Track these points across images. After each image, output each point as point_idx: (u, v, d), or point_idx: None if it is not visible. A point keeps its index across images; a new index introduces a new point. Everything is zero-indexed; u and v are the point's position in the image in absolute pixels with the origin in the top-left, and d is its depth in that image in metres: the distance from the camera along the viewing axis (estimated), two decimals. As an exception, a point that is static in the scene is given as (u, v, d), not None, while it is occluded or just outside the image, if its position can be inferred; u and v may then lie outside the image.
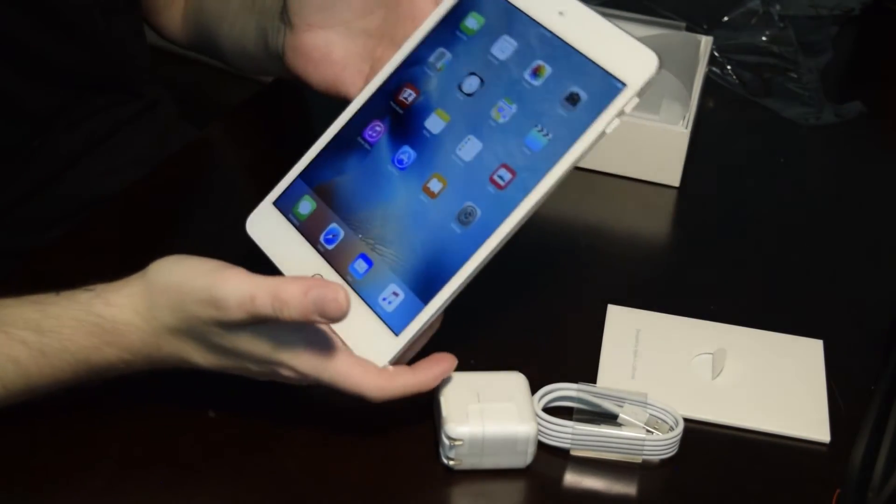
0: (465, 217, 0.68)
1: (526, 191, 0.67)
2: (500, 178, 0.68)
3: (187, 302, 0.63)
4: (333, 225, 0.71)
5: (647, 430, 0.69)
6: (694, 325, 0.79)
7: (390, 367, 0.66)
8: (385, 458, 0.69)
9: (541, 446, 0.69)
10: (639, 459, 0.69)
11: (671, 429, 0.69)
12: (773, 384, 0.75)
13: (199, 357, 0.66)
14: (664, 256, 0.90)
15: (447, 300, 0.67)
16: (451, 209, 0.69)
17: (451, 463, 0.67)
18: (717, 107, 1.06)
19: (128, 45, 0.95)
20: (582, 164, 0.94)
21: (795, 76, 1.10)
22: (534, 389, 0.69)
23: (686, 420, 0.70)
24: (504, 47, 0.71)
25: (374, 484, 0.67)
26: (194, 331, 0.64)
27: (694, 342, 0.78)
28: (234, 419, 0.70)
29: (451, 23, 0.73)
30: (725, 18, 1.16)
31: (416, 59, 0.73)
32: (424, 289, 0.67)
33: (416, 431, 0.70)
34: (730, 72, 1.09)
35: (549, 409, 0.70)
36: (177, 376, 0.71)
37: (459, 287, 0.67)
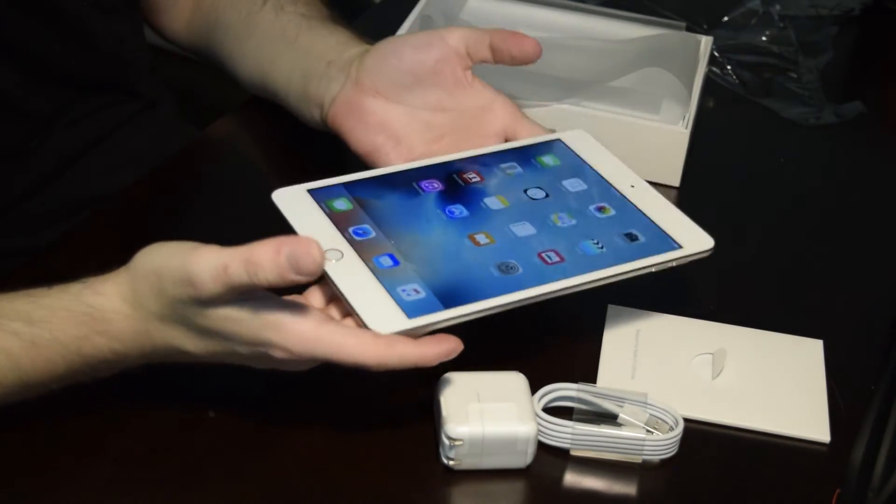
0: (505, 267, 0.70)
1: (568, 274, 0.69)
2: (548, 256, 0.71)
3: (165, 285, 0.63)
4: (366, 225, 0.71)
5: (647, 430, 0.69)
6: (694, 325, 0.79)
7: (389, 336, 0.64)
8: (385, 458, 0.69)
9: (541, 446, 0.69)
10: (639, 459, 0.69)
11: (671, 429, 0.69)
12: (773, 384, 0.75)
13: (189, 343, 0.65)
14: (664, 256, 0.90)
15: (466, 316, 0.66)
16: (493, 258, 0.70)
17: (451, 463, 0.67)
18: (717, 107, 1.06)
19: (127, 46, 0.95)
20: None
21: (795, 76, 1.10)
22: (534, 389, 0.69)
23: (686, 420, 0.70)
24: (575, 184, 0.77)
25: (374, 484, 0.67)
26: (178, 314, 0.64)
27: (694, 342, 0.78)
28: (234, 419, 0.70)
29: (527, 153, 0.79)
30: (725, 18, 1.16)
31: (486, 161, 0.78)
32: (447, 296, 0.67)
33: (416, 431, 0.70)
34: (730, 72, 1.09)
35: (549, 409, 0.70)
36: (176, 376, 0.71)
37: (480, 312, 0.67)
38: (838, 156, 1.03)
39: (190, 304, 0.62)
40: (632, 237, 0.73)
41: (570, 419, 0.69)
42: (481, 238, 0.71)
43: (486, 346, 0.77)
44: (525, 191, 0.76)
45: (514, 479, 0.68)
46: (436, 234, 0.72)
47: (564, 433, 0.69)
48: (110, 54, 0.93)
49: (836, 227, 0.92)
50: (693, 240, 0.73)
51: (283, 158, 0.94)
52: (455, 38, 0.80)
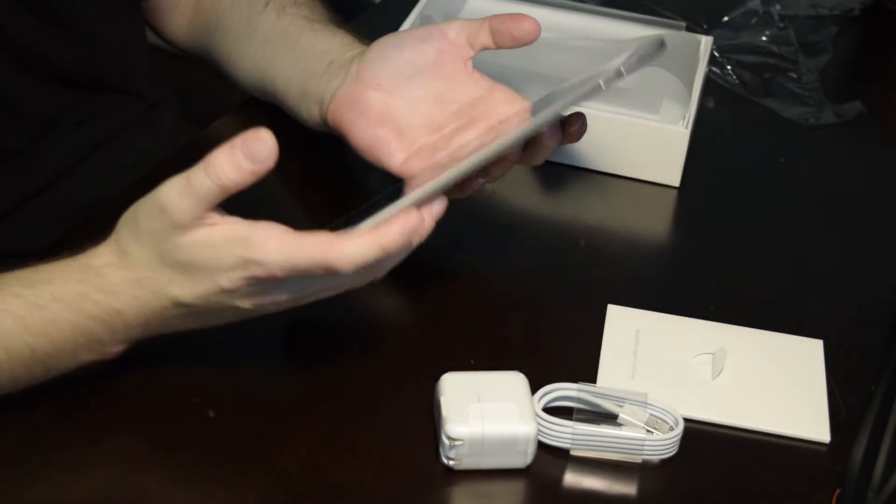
0: None
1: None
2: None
3: (144, 222, 0.65)
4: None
5: (647, 430, 0.69)
6: (694, 325, 0.79)
7: (349, 233, 0.64)
8: (385, 458, 0.69)
9: (541, 446, 0.69)
10: (639, 459, 0.69)
11: (671, 429, 0.69)
12: (773, 384, 0.75)
13: (177, 287, 0.66)
14: (664, 256, 0.90)
15: (414, 199, 0.66)
16: None
17: (451, 463, 0.67)
18: (717, 107, 1.06)
19: (129, 46, 0.95)
20: (582, 164, 0.94)
21: (795, 76, 1.10)
22: (534, 389, 0.69)
23: (686, 420, 0.70)
24: None
25: (374, 484, 0.67)
26: (159, 252, 0.65)
27: (694, 342, 0.78)
28: (234, 419, 0.70)
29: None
30: (725, 18, 1.16)
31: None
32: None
33: (416, 431, 0.70)
34: (730, 72, 1.09)
35: (549, 409, 0.70)
36: (176, 376, 0.71)
37: (425, 193, 0.66)
38: (838, 156, 1.03)
39: (166, 235, 0.64)
40: None
41: (570, 419, 0.69)
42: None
43: (486, 346, 0.77)
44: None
45: (514, 479, 0.68)
46: None
47: (564, 433, 0.69)
48: (113, 55, 0.93)
49: (835, 226, 0.92)
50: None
51: (283, 158, 0.94)
52: (455, 30, 0.80)
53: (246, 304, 0.66)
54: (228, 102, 1.01)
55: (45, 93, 0.88)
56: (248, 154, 0.62)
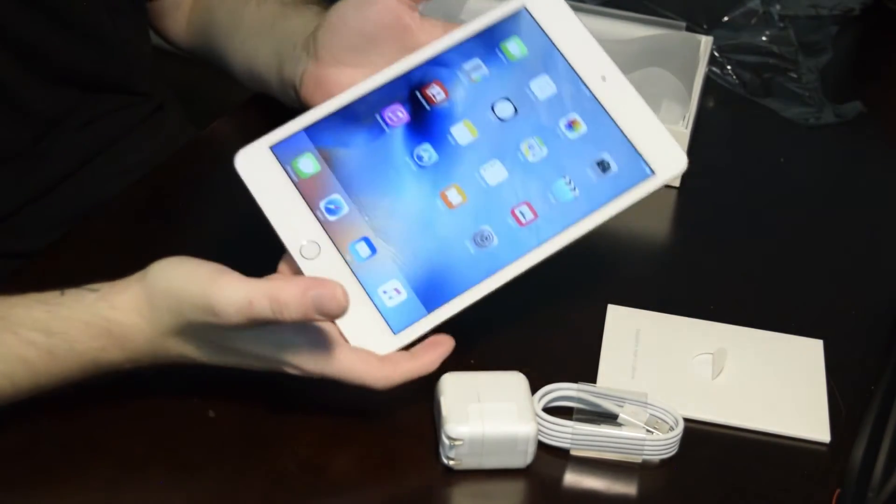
0: (481, 239, 0.69)
1: (545, 237, 0.69)
2: (522, 214, 0.69)
3: (185, 307, 0.64)
4: (336, 196, 0.69)
5: (647, 430, 0.69)
6: (694, 325, 0.79)
7: (391, 355, 0.66)
8: (385, 458, 0.69)
9: (541, 446, 0.69)
10: (639, 459, 0.69)
11: (671, 429, 0.69)
12: (773, 384, 0.75)
13: (204, 356, 0.66)
14: (664, 256, 0.90)
15: (451, 315, 0.67)
16: (468, 227, 0.69)
17: (451, 463, 0.67)
18: (717, 107, 1.06)
19: (133, 46, 0.95)
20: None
21: (795, 76, 1.10)
22: (534, 389, 0.69)
23: (686, 420, 0.70)
24: (543, 87, 0.72)
25: (374, 484, 0.67)
26: (197, 333, 0.65)
27: (694, 342, 0.78)
28: (234, 419, 0.70)
29: (491, 38, 0.73)
30: (725, 18, 1.16)
31: (449, 61, 0.73)
32: (429, 296, 0.67)
33: (416, 431, 0.70)
34: (730, 72, 1.09)
35: (549, 409, 0.70)
36: (177, 376, 0.71)
37: (465, 307, 0.67)
38: (838, 156, 1.03)
39: (210, 329, 0.64)
40: (604, 166, 0.69)
41: (570, 419, 0.69)
42: (453, 196, 0.69)
43: (486, 346, 0.77)
44: (493, 108, 0.71)
45: (514, 479, 0.68)
46: (408, 196, 0.69)
47: (564, 433, 0.69)
48: (117, 55, 0.93)
49: (835, 226, 0.92)
50: (667, 160, 0.69)
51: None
52: None
53: (266, 371, 0.68)
54: (228, 102, 1.01)
55: (49, 93, 0.88)
56: (318, 308, 0.61)
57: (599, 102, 0.71)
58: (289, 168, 0.69)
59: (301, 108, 0.85)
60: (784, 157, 1.00)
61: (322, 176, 0.69)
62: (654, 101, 0.94)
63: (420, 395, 0.71)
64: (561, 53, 0.72)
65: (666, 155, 0.69)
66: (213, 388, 0.71)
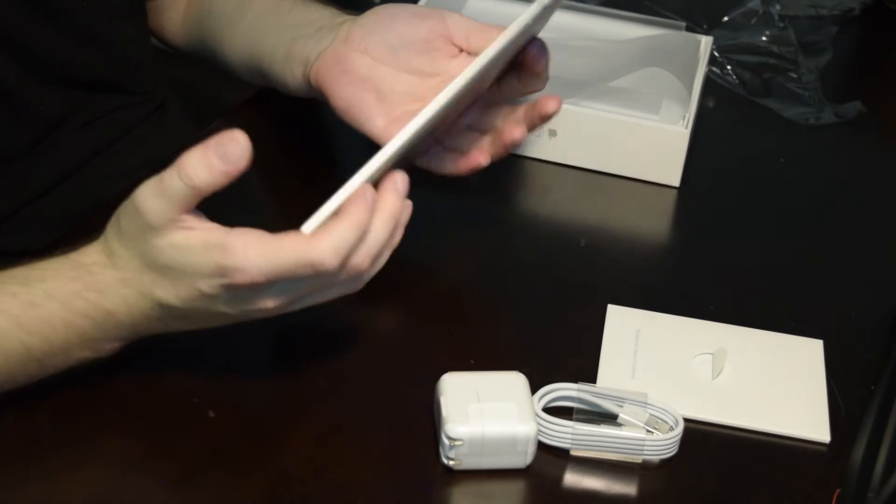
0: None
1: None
2: None
3: (124, 223, 0.65)
4: None
5: (647, 430, 0.69)
6: (694, 325, 0.79)
7: (323, 226, 0.63)
8: (385, 458, 0.69)
9: (541, 446, 0.69)
10: (639, 459, 0.69)
11: (671, 429, 0.69)
12: (773, 384, 0.75)
13: (161, 290, 0.66)
14: (664, 256, 0.90)
15: (346, 196, 0.64)
16: None
17: (451, 463, 0.67)
18: (717, 107, 1.06)
19: (134, 46, 0.95)
20: (582, 164, 0.94)
21: (795, 76, 1.10)
22: (534, 389, 0.69)
23: (686, 420, 0.70)
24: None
25: (374, 484, 0.67)
26: (140, 255, 0.65)
27: (694, 342, 0.78)
28: (234, 419, 0.70)
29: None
30: (725, 18, 1.16)
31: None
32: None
33: (416, 431, 0.70)
34: (730, 72, 1.09)
35: (549, 409, 0.70)
36: (176, 376, 0.71)
37: (358, 182, 0.64)
38: (838, 156, 1.03)
39: (143, 237, 0.64)
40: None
41: (570, 419, 0.69)
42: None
43: (486, 346, 0.77)
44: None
45: (514, 479, 0.68)
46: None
47: (564, 433, 0.69)
48: (118, 56, 0.93)
49: (835, 226, 0.92)
50: None
51: (283, 158, 0.94)
52: (455, 19, 0.79)
53: (230, 310, 0.66)
54: (228, 102, 1.01)
55: (50, 94, 0.88)
56: (220, 155, 0.62)
57: None
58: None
59: (302, 89, 0.85)
60: (784, 157, 1.00)
61: None
62: (654, 101, 0.94)
63: (420, 395, 0.71)
64: None
65: None
66: (213, 388, 0.71)
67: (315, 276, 0.64)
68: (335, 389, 0.72)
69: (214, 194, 0.91)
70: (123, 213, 0.66)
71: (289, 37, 0.86)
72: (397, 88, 0.79)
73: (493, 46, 0.69)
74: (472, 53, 0.79)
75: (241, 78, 0.96)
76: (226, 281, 0.63)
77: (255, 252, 0.62)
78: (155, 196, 0.63)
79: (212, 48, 0.97)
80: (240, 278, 0.63)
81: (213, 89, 1.11)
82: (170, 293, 0.66)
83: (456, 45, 0.80)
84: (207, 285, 0.64)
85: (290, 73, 0.85)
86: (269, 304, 0.65)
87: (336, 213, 0.64)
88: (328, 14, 0.86)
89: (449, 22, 0.79)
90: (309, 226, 0.63)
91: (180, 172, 0.62)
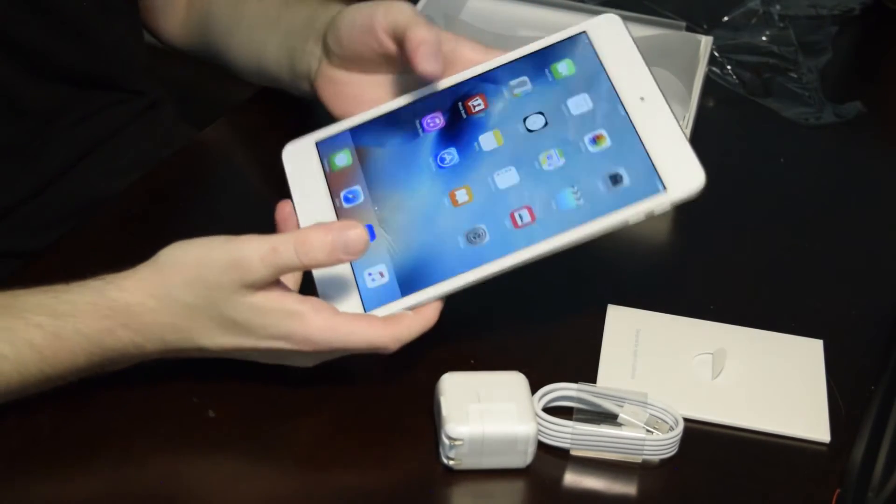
0: (473, 237, 0.70)
1: (536, 239, 0.69)
2: (520, 217, 0.70)
3: (208, 272, 0.65)
4: (357, 187, 0.73)
5: (647, 430, 0.69)
6: (694, 325, 0.79)
7: (393, 315, 0.68)
8: (385, 458, 0.69)
9: (541, 446, 0.69)
10: (639, 459, 0.69)
11: (671, 429, 0.69)
12: (773, 384, 0.75)
13: (209, 338, 0.66)
14: (664, 256, 0.90)
15: (422, 302, 0.68)
16: (464, 224, 0.70)
17: (451, 463, 0.67)
18: (717, 107, 1.06)
19: (127, 45, 0.95)
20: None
21: (795, 76, 1.10)
22: (534, 389, 0.69)
23: (686, 420, 0.70)
24: (580, 104, 0.73)
25: (374, 483, 0.67)
26: (212, 305, 0.65)
27: (694, 342, 0.78)
28: (234, 419, 0.70)
29: (544, 58, 0.75)
30: (725, 18, 1.16)
31: (498, 77, 0.75)
32: (407, 282, 0.69)
33: (416, 431, 0.70)
34: (730, 72, 1.09)
35: (549, 409, 0.70)
36: (176, 376, 0.71)
37: (437, 295, 0.68)
38: (838, 156, 1.03)
39: (229, 290, 0.64)
40: (616, 179, 0.69)
41: (570, 419, 0.69)
42: (461, 195, 0.71)
43: (486, 346, 0.77)
44: (524, 120, 0.73)
45: (514, 479, 0.68)
46: (419, 193, 0.72)
47: (564, 433, 0.69)
48: (110, 53, 0.93)
49: (835, 226, 0.92)
50: (683, 178, 0.68)
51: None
52: (381, 21, 0.76)
53: (267, 361, 0.68)
54: (228, 102, 1.01)
55: (43, 90, 0.88)
56: (343, 245, 0.64)
57: (630, 120, 0.71)
58: (325, 161, 0.75)
59: (308, 96, 0.86)
60: (784, 157, 1.00)
61: (351, 170, 0.74)
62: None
63: (420, 395, 0.71)
64: (607, 74, 0.73)
65: (683, 173, 0.68)
66: (213, 388, 0.71)
67: (368, 352, 0.68)
68: (335, 389, 0.72)
69: (215, 195, 0.91)
70: (212, 265, 0.65)
71: (287, 51, 0.87)
72: (388, 93, 0.79)
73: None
74: (398, 35, 0.75)
75: (250, 81, 0.96)
76: (289, 346, 0.66)
77: (327, 326, 0.65)
78: (264, 262, 0.63)
79: (216, 54, 0.97)
80: (305, 347, 0.66)
81: (213, 89, 1.11)
82: (221, 343, 0.67)
83: (389, 37, 0.77)
84: (268, 344, 0.66)
85: (302, 88, 0.87)
86: (309, 363, 0.69)
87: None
88: (308, 17, 0.86)
89: (375, 19, 0.76)
90: (382, 311, 0.68)
91: (298, 249, 0.63)
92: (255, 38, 0.91)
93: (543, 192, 0.70)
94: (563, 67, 0.74)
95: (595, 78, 0.73)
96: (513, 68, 0.75)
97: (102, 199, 0.90)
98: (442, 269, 0.69)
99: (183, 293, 0.65)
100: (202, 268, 0.65)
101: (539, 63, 0.75)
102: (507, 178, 0.71)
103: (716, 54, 1.10)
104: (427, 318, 0.68)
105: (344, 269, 0.70)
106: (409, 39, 0.73)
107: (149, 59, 1.00)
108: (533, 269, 0.84)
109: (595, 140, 0.71)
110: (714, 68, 1.09)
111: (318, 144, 0.76)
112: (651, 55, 0.99)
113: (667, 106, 0.71)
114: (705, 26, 1.15)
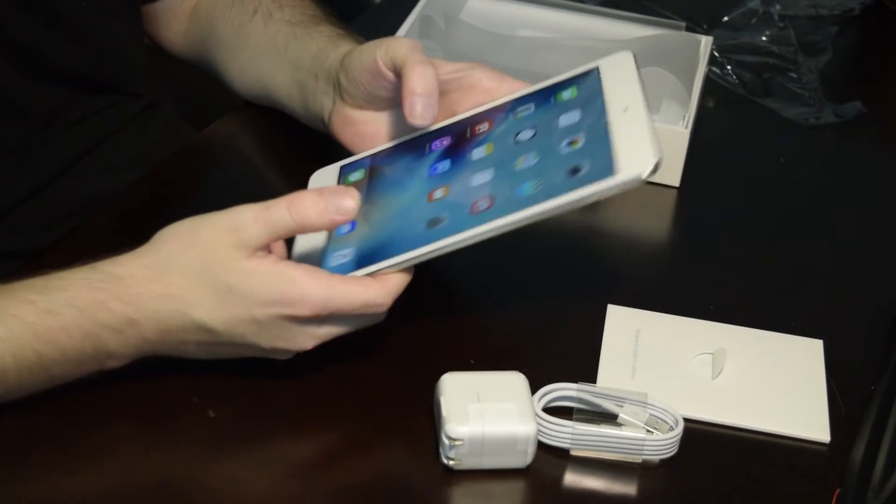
0: (434, 223, 0.70)
1: (486, 220, 0.69)
2: (479, 205, 0.70)
3: (202, 237, 0.66)
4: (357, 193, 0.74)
5: (647, 430, 0.69)
6: (694, 325, 0.79)
7: (378, 275, 0.68)
8: (385, 458, 0.69)
9: (541, 446, 0.69)
10: (639, 459, 0.69)
11: (671, 429, 0.69)
12: (773, 384, 0.75)
13: (205, 309, 0.66)
14: (664, 256, 0.90)
15: (376, 272, 0.69)
16: (431, 214, 0.71)
17: (451, 463, 0.67)
18: (717, 107, 1.06)
19: (126, 47, 0.95)
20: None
21: (795, 76, 1.10)
22: (534, 389, 0.69)
23: (686, 420, 0.70)
24: (570, 117, 0.73)
25: (374, 484, 0.67)
26: (207, 270, 0.66)
27: (694, 342, 0.78)
28: (233, 419, 0.70)
29: (555, 88, 0.76)
30: (725, 18, 1.16)
31: (511, 106, 0.76)
32: (363, 260, 0.70)
33: (416, 431, 0.70)
34: (730, 72, 1.09)
35: (549, 409, 0.70)
36: (176, 376, 0.71)
37: (390, 266, 0.69)
38: (838, 156, 1.03)
39: (224, 254, 0.66)
40: (575, 171, 0.68)
41: (570, 419, 0.69)
42: (438, 193, 0.72)
43: (486, 346, 0.77)
44: (516, 134, 0.74)
45: (514, 479, 0.68)
46: (404, 194, 0.73)
47: (564, 433, 0.69)
48: (109, 55, 0.93)
49: (835, 226, 0.92)
50: (632, 165, 0.67)
51: (283, 158, 0.94)
52: (381, 51, 0.76)
53: (265, 343, 0.68)
54: (228, 102, 1.01)
55: (42, 91, 0.88)
56: (334, 203, 0.65)
57: (608, 125, 0.70)
58: (341, 179, 0.78)
59: (324, 132, 0.86)
60: (784, 157, 1.00)
61: (359, 183, 0.76)
62: (654, 101, 0.94)
63: (420, 395, 0.71)
64: (603, 96, 0.73)
65: (636, 160, 0.67)
66: (213, 388, 0.71)
67: (363, 316, 0.68)
68: (335, 389, 0.72)
69: (215, 195, 0.91)
70: (208, 230, 0.66)
71: (297, 85, 0.87)
72: (406, 128, 0.79)
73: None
74: (398, 67, 0.76)
75: (249, 100, 0.96)
76: (284, 311, 0.66)
77: (322, 285, 0.66)
78: (258, 222, 0.65)
79: (217, 71, 0.97)
80: (301, 309, 0.66)
81: (213, 89, 1.11)
82: (216, 315, 0.67)
83: (392, 73, 0.77)
84: (263, 313, 0.66)
85: (316, 125, 0.87)
86: (308, 343, 0.68)
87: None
88: (316, 53, 0.86)
89: (377, 58, 0.77)
90: (365, 270, 0.69)
91: (291, 207, 0.65)
92: (261, 63, 0.91)
93: (508, 185, 0.70)
94: (567, 94, 0.75)
95: (592, 99, 0.73)
96: (526, 98, 0.77)
97: (101, 198, 0.90)
98: (395, 249, 0.69)
99: (177, 260, 0.66)
100: (197, 233, 0.66)
101: (549, 93, 0.76)
102: (480, 177, 0.72)
103: (716, 54, 1.10)
104: (407, 274, 0.69)
105: (319, 251, 0.72)
106: (403, 84, 0.73)
107: (149, 59, 1.00)
108: (533, 269, 0.85)
109: (571, 144, 0.71)
110: (714, 68, 1.09)
111: (342, 167, 0.79)
112: (651, 55, 0.99)
113: (646, 111, 0.70)
114: (705, 26, 1.15)
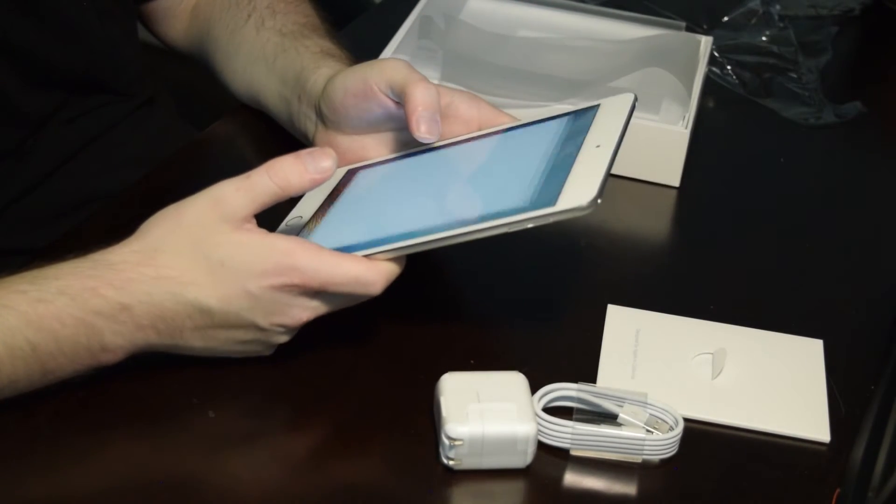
0: (413, 220, 0.71)
1: (443, 229, 0.68)
2: (451, 211, 0.70)
3: (188, 215, 0.67)
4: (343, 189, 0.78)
5: (647, 430, 0.69)
6: (694, 325, 0.79)
7: (371, 257, 0.68)
8: (385, 458, 0.69)
9: (541, 446, 0.69)
10: (639, 459, 0.69)
11: (671, 429, 0.69)
12: (773, 384, 0.75)
13: (198, 290, 0.66)
14: (664, 256, 0.90)
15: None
16: (412, 211, 0.72)
17: (451, 463, 0.67)
18: (717, 107, 1.06)
19: (120, 48, 0.95)
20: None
21: (795, 76, 1.10)
22: (534, 389, 0.69)
23: (686, 420, 0.70)
24: (553, 146, 0.73)
25: (374, 484, 0.67)
26: (196, 247, 0.66)
27: (694, 342, 0.78)
28: (233, 419, 0.70)
29: (555, 118, 0.77)
30: (725, 18, 1.16)
31: (504, 130, 0.77)
32: (350, 249, 0.69)
33: (416, 431, 0.70)
34: (730, 72, 1.09)
35: (549, 409, 0.70)
36: (176, 376, 0.71)
37: (376, 254, 0.69)
38: (838, 156, 1.03)
39: (210, 229, 0.66)
40: (532, 194, 0.69)
41: (570, 419, 0.69)
42: (421, 192, 0.73)
43: (486, 346, 0.77)
44: (495, 149, 0.75)
45: (514, 479, 0.68)
46: (389, 190, 0.76)
47: (564, 433, 0.69)
48: (104, 56, 0.93)
49: (835, 226, 0.92)
50: (572, 199, 0.67)
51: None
52: (375, 76, 0.76)
53: (262, 320, 0.68)
54: (228, 102, 1.01)
55: (37, 92, 0.88)
56: (312, 163, 0.66)
57: (574, 158, 0.70)
58: (342, 178, 0.79)
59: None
60: (784, 157, 1.00)
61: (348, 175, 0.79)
62: (654, 102, 0.94)
63: (420, 395, 0.71)
64: (588, 131, 0.73)
65: (578, 194, 0.67)
66: (213, 388, 0.71)
67: (354, 295, 0.68)
68: (335, 390, 0.72)
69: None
70: (192, 208, 0.67)
71: (283, 101, 0.88)
72: (391, 150, 0.80)
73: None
74: (397, 92, 0.76)
75: (244, 102, 0.96)
76: (278, 280, 0.66)
77: (314, 256, 0.66)
78: (239, 191, 0.66)
79: (214, 71, 0.98)
80: (294, 277, 0.66)
81: (212, 89, 1.11)
82: (209, 293, 0.67)
83: (387, 96, 0.77)
84: (256, 285, 0.66)
85: (302, 139, 0.87)
86: (303, 315, 0.68)
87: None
88: (300, 71, 0.86)
89: (370, 81, 0.77)
90: (363, 252, 0.69)
91: (270, 172, 0.66)
92: (252, 72, 0.92)
93: (476, 198, 0.71)
94: (561, 124, 0.76)
95: (579, 132, 0.74)
96: (529, 124, 0.77)
97: (97, 195, 0.91)
98: (381, 240, 0.69)
99: (166, 241, 0.67)
100: (181, 214, 0.67)
101: (548, 121, 0.77)
102: (458, 185, 0.73)
103: (716, 54, 1.10)
104: (398, 263, 0.68)
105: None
106: (407, 102, 0.73)
107: (149, 59, 1.00)
108: (533, 269, 0.85)
109: (541, 170, 0.71)
110: (714, 68, 1.09)
111: (350, 169, 0.80)
112: (651, 55, 0.99)
113: (613, 150, 0.70)
114: (705, 26, 1.15)
